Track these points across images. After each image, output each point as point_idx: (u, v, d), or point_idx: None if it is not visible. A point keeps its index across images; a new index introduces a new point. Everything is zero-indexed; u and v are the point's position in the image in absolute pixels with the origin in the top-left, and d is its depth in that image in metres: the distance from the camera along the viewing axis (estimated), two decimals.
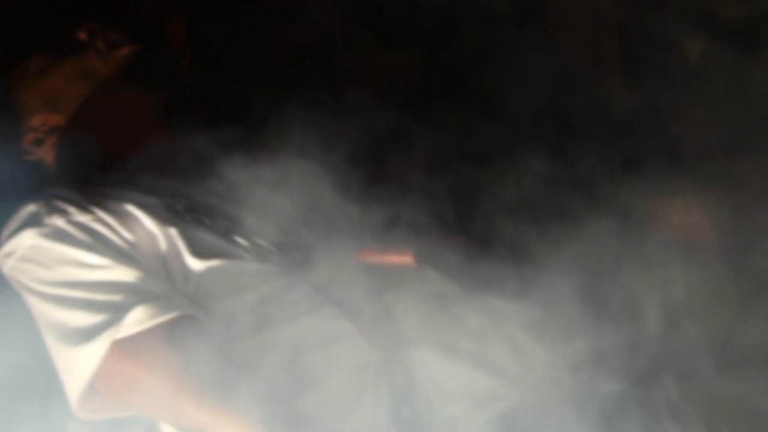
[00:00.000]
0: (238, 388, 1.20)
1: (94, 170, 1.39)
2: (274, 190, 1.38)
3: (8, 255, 1.28)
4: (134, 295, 1.22)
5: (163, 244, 1.28)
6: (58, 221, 1.27)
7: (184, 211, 1.32)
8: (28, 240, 1.27)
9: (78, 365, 1.20)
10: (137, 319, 1.20)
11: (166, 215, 1.31)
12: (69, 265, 1.24)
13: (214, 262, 1.28)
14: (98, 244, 1.26)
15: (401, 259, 1.31)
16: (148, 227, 1.29)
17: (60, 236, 1.26)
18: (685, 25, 1.70)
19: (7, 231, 1.30)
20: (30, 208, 1.30)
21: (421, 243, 1.33)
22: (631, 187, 1.56)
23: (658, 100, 1.68)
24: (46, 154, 1.43)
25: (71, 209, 1.29)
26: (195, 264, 1.27)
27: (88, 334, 1.19)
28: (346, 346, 1.26)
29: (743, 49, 1.63)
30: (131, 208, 1.30)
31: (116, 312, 1.20)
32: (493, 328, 1.31)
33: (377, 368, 1.26)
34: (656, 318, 1.40)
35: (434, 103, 1.75)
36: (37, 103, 1.41)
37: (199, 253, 1.28)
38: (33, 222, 1.28)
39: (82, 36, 1.44)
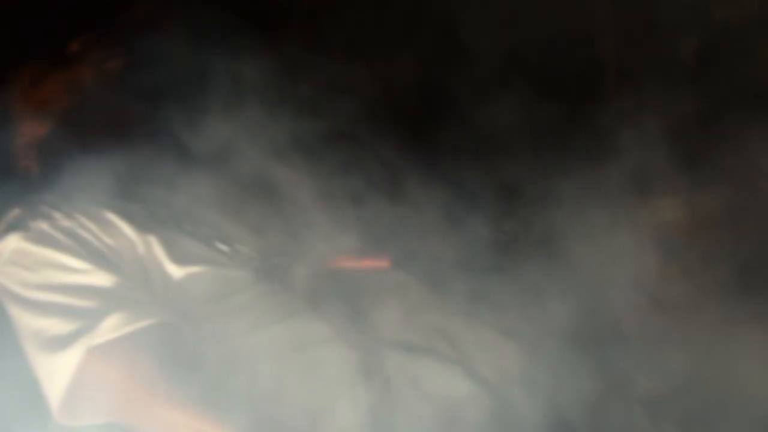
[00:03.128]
0: (216, 394, 1.21)
1: (79, 176, 1.41)
2: (255, 195, 1.40)
3: None
4: (111, 300, 1.24)
5: (142, 251, 1.30)
6: (43, 225, 1.30)
7: (166, 218, 1.34)
8: (13, 243, 1.30)
9: (56, 373, 1.23)
10: (113, 326, 1.22)
11: (147, 222, 1.33)
12: (51, 268, 1.27)
13: (194, 269, 1.30)
14: (80, 248, 1.29)
15: (377, 263, 1.31)
16: (127, 234, 1.31)
17: (44, 240, 1.29)
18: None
19: None
20: (15, 212, 1.34)
21: (399, 245, 1.33)
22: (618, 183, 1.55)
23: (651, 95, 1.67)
24: (34, 162, 1.45)
25: (56, 214, 1.32)
26: (175, 271, 1.30)
27: (65, 342, 1.22)
28: (324, 349, 1.28)
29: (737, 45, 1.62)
30: (111, 216, 1.32)
31: (92, 318, 1.22)
32: (472, 332, 1.32)
33: (355, 372, 1.27)
34: (641, 318, 1.40)
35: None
36: (29, 112, 1.44)
37: (179, 260, 1.30)
38: (18, 226, 1.31)
39: (76, 48, 1.46)
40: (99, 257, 1.28)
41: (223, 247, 1.33)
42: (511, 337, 1.30)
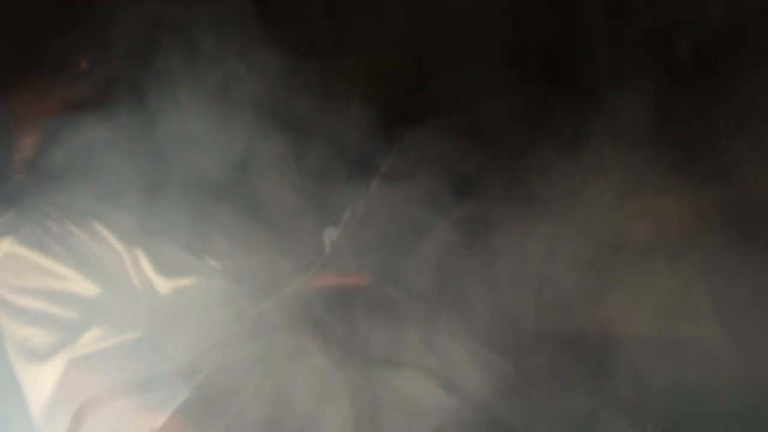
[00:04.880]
0: (199, 405, 1.22)
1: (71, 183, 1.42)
2: (246, 211, 1.41)
3: None
4: (93, 313, 1.26)
5: (128, 264, 1.31)
6: (37, 230, 1.32)
7: (158, 229, 1.36)
8: (5, 247, 1.31)
9: (38, 383, 1.25)
10: (93, 339, 1.24)
11: (137, 232, 1.34)
12: (40, 274, 1.29)
13: (182, 282, 1.31)
14: (70, 256, 1.30)
15: (360, 280, 1.32)
16: (115, 245, 1.32)
17: (36, 245, 1.31)
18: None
19: None
20: (9, 215, 1.35)
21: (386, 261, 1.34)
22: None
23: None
24: (29, 168, 1.46)
25: (48, 221, 1.33)
26: (162, 284, 1.31)
27: (47, 353, 1.24)
28: (311, 364, 1.29)
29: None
30: (100, 226, 1.34)
31: (73, 330, 1.25)
32: (459, 346, 1.32)
33: (341, 386, 1.28)
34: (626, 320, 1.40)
35: None
36: (29, 126, 1.46)
37: (167, 272, 1.32)
38: (12, 229, 1.33)
39: (84, 65, 1.47)
40: (87, 266, 1.30)
41: (214, 262, 1.35)
42: (500, 351, 1.30)
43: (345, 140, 1.43)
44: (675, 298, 1.42)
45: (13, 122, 1.44)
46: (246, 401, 1.24)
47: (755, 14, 1.61)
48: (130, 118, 1.35)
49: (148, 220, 1.35)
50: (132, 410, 1.22)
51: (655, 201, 1.56)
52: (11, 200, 1.37)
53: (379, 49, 1.65)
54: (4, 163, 1.43)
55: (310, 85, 1.43)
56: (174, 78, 1.36)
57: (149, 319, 1.29)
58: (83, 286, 1.28)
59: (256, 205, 1.40)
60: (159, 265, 1.32)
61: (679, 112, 1.64)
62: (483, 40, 1.62)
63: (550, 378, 1.28)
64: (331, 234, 1.37)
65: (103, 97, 1.38)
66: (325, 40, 1.60)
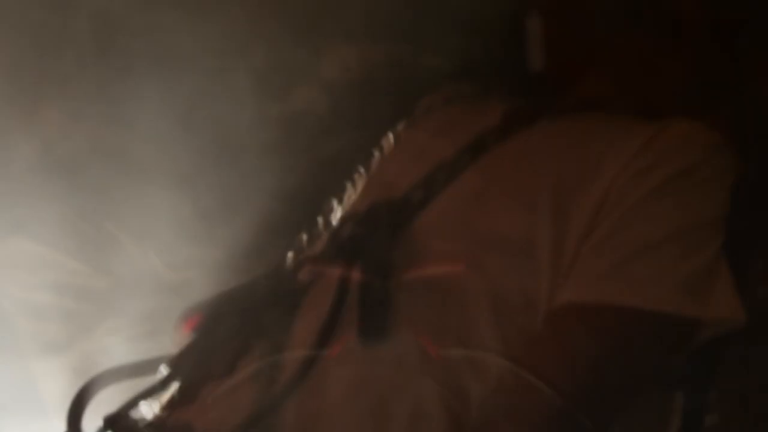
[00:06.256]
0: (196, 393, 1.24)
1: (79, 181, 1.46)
2: (249, 202, 1.43)
3: None
4: (106, 307, 1.29)
5: (137, 258, 1.35)
6: (48, 227, 1.38)
7: (166, 223, 1.38)
8: (17, 244, 1.38)
9: (53, 376, 1.28)
10: (107, 331, 1.27)
11: (145, 227, 1.37)
12: (51, 269, 1.35)
13: (190, 274, 1.34)
14: (80, 251, 1.35)
15: (355, 274, 1.31)
16: (123, 241, 1.36)
17: (47, 241, 1.37)
18: None
19: None
20: (19, 212, 1.40)
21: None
22: None
23: None
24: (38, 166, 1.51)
25: (59, 218, 1.38)
26: (171, 276, 1.34)
27: (61, 345, 1.28)
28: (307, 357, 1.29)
29: None
30: (108, 222, 1.37)
31: (86, 324, 1.28)
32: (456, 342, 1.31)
33: (339, 381, 1.28)
34: None
35: None
36: (35, 124, 1.51)
37: (174, 266, 1.35)
38: (23, 226, 1.39)
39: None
40: (97, 261, 1.34)
41: (218, 254, 1.37)
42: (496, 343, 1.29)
43: (342, 125, 1.44)
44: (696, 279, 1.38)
45: (21, 120, 1.49)
46: (242, 392, 1.25)
47: None
48: (132, 110, 1.38)
49: (156, 214, 1.38)
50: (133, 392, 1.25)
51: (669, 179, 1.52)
52: (21, 198, 1.43)
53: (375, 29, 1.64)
54: (14, 161, 1.48)
55: (308, 72, 1.45)
56: (173, 66, 1.39)
57: (158, 311, 1.31)
58: (94, 281, 1.31)
59: (255, 196, 1.42)
60: (167, 258, 1.34)
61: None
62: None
63: None
64: (327, 225, 1.38)
65: (106, 91, 1.42)
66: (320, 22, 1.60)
